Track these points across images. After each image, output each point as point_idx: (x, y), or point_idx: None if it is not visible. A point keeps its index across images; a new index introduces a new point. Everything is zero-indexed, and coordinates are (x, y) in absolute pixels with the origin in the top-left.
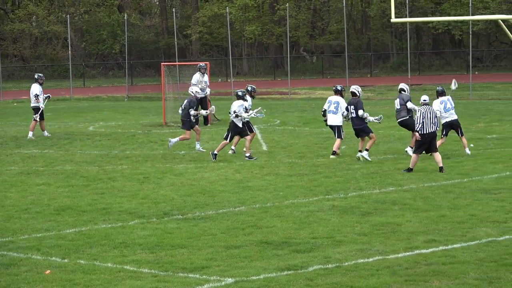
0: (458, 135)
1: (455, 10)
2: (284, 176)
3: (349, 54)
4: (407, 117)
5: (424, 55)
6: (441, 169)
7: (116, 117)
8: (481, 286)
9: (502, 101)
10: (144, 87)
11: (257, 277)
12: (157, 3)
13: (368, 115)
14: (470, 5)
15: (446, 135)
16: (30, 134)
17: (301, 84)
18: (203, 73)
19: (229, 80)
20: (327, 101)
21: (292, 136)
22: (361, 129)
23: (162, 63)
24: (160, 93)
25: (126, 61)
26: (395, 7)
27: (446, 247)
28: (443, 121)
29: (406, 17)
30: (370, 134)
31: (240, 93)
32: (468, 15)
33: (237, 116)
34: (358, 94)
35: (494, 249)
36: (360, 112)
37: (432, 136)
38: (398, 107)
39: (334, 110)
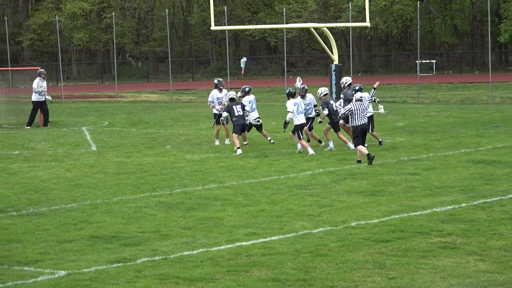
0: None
1: (270, 18)
2: (112, 174)
3: (172, 59)
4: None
5: None
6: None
7: None
8: (297, 275)
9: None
10: None
11: (89, 270)
12: None
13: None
14: (284, 14)
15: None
16: None
17: (127, 88)
18: (43, 78)
19: (59, 84)
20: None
21: (120, 137)
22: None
23: None
24: None
25: None
26: (215, 16)
27: (265, 239)
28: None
29: (225, 25)
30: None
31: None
32: (282, 23)
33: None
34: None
35: (309, 241)
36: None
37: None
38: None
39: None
